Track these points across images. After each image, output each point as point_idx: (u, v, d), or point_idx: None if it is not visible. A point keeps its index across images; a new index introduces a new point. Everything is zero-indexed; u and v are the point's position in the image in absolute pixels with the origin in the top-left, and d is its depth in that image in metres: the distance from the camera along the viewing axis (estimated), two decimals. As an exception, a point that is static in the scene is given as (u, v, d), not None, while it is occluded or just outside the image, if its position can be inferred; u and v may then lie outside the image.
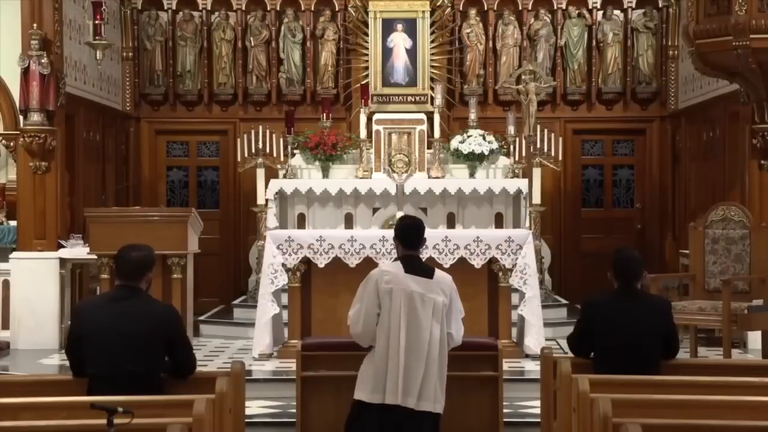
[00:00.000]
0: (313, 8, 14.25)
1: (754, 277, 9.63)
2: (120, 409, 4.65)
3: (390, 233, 9.75)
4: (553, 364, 6.29)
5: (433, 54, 13.70)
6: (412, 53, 13.50)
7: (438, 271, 6.34)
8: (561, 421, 5.89)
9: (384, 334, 6.15)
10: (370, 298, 6.19)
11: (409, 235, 6.34)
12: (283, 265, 9.68)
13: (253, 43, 14.23)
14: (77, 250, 10.89)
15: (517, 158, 12.69)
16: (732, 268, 9.79)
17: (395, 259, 6.39)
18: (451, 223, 12.56)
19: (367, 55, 13.73)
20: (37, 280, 10.87)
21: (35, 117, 10.82)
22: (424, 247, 6.48)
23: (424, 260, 6.48)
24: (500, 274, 9.67)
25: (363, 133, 12.75)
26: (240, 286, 13.86)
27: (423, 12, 13.47)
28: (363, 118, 12.76)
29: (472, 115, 13.10)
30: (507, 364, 8.14)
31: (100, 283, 10.10)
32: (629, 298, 6.30)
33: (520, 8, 14.21)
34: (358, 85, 13.77)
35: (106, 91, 13.27)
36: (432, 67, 13.63)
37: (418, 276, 6.19)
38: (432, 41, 13.67)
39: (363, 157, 12.76)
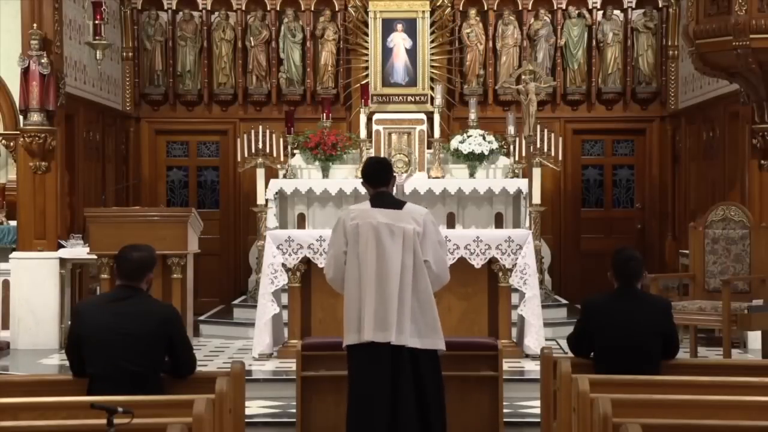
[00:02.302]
0: (313, 8, 14.26)
1: (754, 277, 9.63)
2: (120, 409, 4.65)
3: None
4: (553, 364, 6.29)
5: (433, 54, 13.71)
6: (412, 53, 13.50)
7: (410, 203, 6.27)
8: (561, 421, 5.89)
9: (354, 270, 6.06)
10: (338, 239, 6.15)
11: (373, 172, 6.29)
12: (283, 265, 9.68)
13: (253, 43, 14.23)
14: (77, 250, 10.89)
15: (517, 158, 12.70)
16: (732, 268, 9.79)
17: None
18: (451, 223, 12.56)
19: (367, 55, 13.74)
20: (37, 280, 10.87)
21: (35, 117, 10.82)
22: (393, 184, 6.37)
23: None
24: (500, 274, 9.67)
25: (363, 133, 12.75)
26: (240, 286, 13.87)
27: (423, 12, 13.48)
28: (363, 118, 12.77)
29: (472, 115, 13.11)
30: (507, 364, 8.14)
31: (100, 283, 10.09)
32: (629, 298, 6.30)
33: (520, 8, 14.21)
34: (358, 85, 13.77)
35: (106, 91, 13.27)
36: (432, 67, 13.64)
37: (386, 208, 6.12)
38: (432, 41, 13.68)
39: (363, 157, 12.75)
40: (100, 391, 5.43)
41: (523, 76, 12.77)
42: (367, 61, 13.73)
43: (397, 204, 6.20)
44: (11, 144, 11.10)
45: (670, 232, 14.01)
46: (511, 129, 12.73)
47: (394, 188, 6.41)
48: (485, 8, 14.18)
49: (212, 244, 13.72)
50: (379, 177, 6.29)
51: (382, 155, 12.49)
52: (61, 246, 11.03)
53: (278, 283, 9.70)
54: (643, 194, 14.50)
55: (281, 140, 12.55)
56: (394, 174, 6.40)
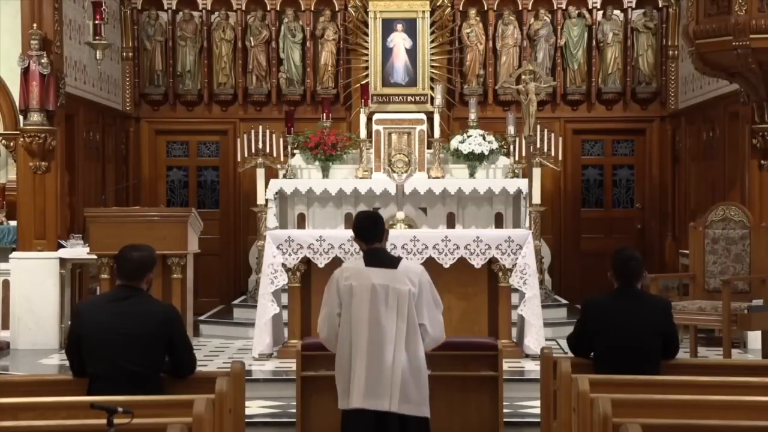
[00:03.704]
0: (313, 8, 14.26)
1: (754, 277, 9.63)
2: (120, 409, 4.65)
3: (390, 233, 9.81)
4: (553, 364, 6.29)
5: (433, 54, 13.71)
6: (412, 53, 13.50)
7: (405, 260, 6.06)
8: (561, 421, 5.89)
9: (346, 333, 5.87)
10: (332, 299, 5.94)
11: (365, 228, 6.06)
12: (283, 265, 9.68)
13: (253, 43, 14.23)
14: (77, 250, 10.90)
15: (517, 158, 12.70)
16: (732, 268, 9.79)
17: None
18: (451, 223, 12.56)
19: (367, 55, 13.74)
20: (37, 280, 10.88)
21: (35, 117, 10.83)
22: (386, 239, 6.13)
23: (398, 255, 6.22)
24: (500, 274, 9.67)
25: (363, 133, 12.75)
26: (240, 286, 13.87)
27: (423, 12, 13.48)
28: (363, 118, 12.76)
29: (472, 115, 13.11)
30: (507, 364, 8.14)
31: (100, 283, 10.10)
32: (629, 298, 6.30)
33: (520, 8, 14.21)
34: (358, 85, 13.77)
35: (106, 91, 13.27)
36: (432, 67, 13.64)
37: (381, 268, 5.90)
38: (432, 41, 13.68)
39: (363, 157, 12.76)
40: (100, 391, 5.43)
41: (523, 76, 12.75)
42: (367, 61, 13.73)
43: (392, 262, 5.96)
44: (11, 144, 11.10)
45: (670, 232, 14.01)
46: (511, 129, 12.72)
47: (387, 242, 6.19)
48: (485, 8, 14.19)
49: (212, 244, 13.73)
50: (372, 233, 6.04)
51: (382, 152, 12.50)
52: (61, 246, 11.03)
53: (278, 283, 9.70)
54: (643, 194, 14.50)
55: (281, 140, 12.54)
56: (387, 228, 6.18)
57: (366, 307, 5.83)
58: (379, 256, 5.99)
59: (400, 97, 13.46)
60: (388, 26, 13.53)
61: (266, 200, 12.27)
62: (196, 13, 14.35)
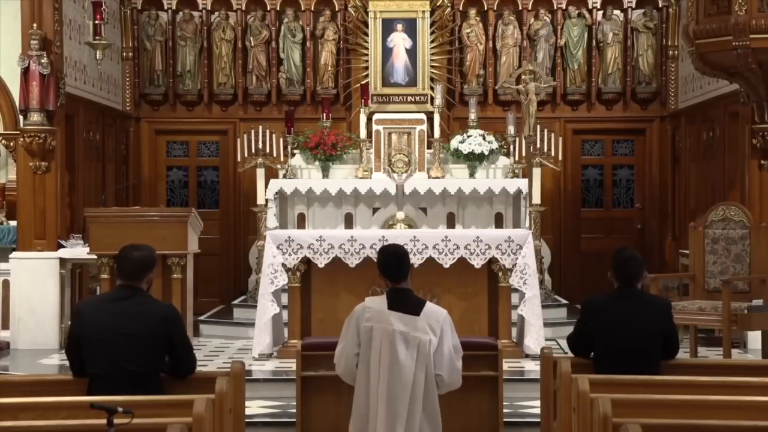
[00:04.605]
0: (313, 8, 14.26)
1: (754, 277, 9.63)
2: (120, 409, 4.65)
3: (389, 233, 9.82)
4: (553, 364, 6.29)
5: (433, 54, 13.71)
6: (412, 53, 13.51)
7: (429, 305, 5.87)
8: (561, 421, 5.89)
9: (364, 376, 5.78)
10: (351, 337, 5.84)
11: (390, 267, 5.92)
12: (283, 265, 9.68)
13: (253, 43, 14.24)
14: (77, 250, 10.90)
15: (517, 158, 12.70)
16: (732, 268, 9.79)
17: (383, 291, 5.99)
18: (451, 223, 12.56)
19: (367, 55, 13.74)
20: (37, 280, 10.88)
21: (35, 117, 10.83)
22: (411, 274, 5.99)
23: (413, 292, 6.00)
24: (500, 274, 9.67)
25: (363, 133, 12.75)
26: (240, 286, 13.87)
27: (423, 12, 13.48)
28: (363, 118, 12.76)
29: (472, 115, 13.11)
30: (507, 364, 8.14)
31: (100, 283, 10.10)
32: (629, 298, 6.30)
33: (520, 8, 14.21)
34: (358, 85, 13.77)
35: (106, 91, 13.27)
36: (432, 67, 13.64)
37: (403, 313, 5.76)
38: (432, 41, 13.68)
39: (363, 157, 12.76)
40: (100, 391, 5.43)
41: (523, 76, 12.74)
42: (367, 61, 13.73)
43: (415, 307, 5.81)
44: (11, 144, 11.10)
45: (670, 232, 14.02)
46: (511, 129, 12.73)
47: (410, 279, 6.02)
48: (485, 8, 14.19)
49: (212, 244, 13.73)
50: (398, 272, 5.90)
51: (382, 152, 12.49)
52: (61, 246, 11.03)
53: (278, 283, 9.70)
54: (643, 194, 14.51)
55: (281, 140, 12.54)
56: (411, 263, 6.08)
57: (386, 353, 5.73)
58: (403, 299, 5.85)
59: (400, 97, 13.46)
60: (388, 26, 13.53)
61: (266, 200, 12.27)
62: (196, 13, 14.35)
